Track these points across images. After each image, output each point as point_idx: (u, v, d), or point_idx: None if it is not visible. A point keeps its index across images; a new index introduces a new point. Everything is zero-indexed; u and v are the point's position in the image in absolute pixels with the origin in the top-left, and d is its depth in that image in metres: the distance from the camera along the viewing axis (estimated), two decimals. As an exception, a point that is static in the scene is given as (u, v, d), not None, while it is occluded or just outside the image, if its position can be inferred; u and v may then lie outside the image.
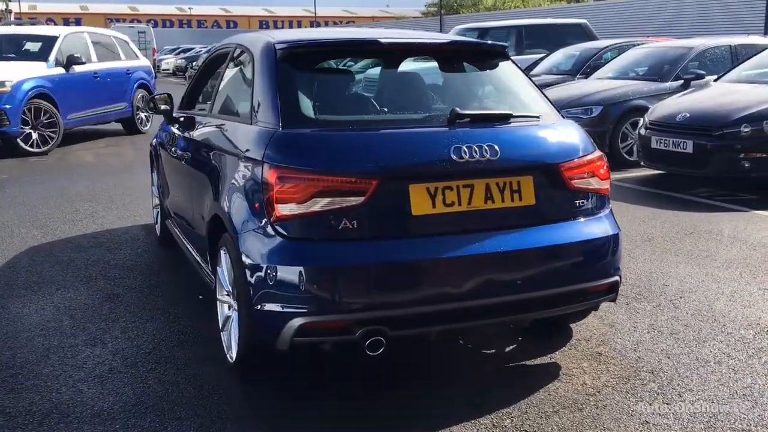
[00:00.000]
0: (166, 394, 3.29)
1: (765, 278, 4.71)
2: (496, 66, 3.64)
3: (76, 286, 4.81)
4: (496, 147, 3.07)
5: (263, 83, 3.38)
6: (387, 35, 3.68)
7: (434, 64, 3.67)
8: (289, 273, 2.92)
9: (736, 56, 10.46)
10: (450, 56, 3.65)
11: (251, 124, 3.35)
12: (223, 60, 4.36)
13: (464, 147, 3.02)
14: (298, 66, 3.41)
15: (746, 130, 7.21)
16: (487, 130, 3.18)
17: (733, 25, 23.06)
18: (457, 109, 3.18)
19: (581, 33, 15.26)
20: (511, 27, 14.99)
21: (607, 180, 3.39)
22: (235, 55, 4.05)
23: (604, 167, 3.38)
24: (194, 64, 33.14)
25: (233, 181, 3.30)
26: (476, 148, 3.03)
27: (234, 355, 3.34)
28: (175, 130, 4.88)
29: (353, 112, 3.38)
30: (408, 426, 3.02)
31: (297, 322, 2.91)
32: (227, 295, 3.50)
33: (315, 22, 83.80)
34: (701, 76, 9.61)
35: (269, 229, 2.98)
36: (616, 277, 3.35)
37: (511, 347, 3.77)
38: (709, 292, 4.47)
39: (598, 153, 3.40)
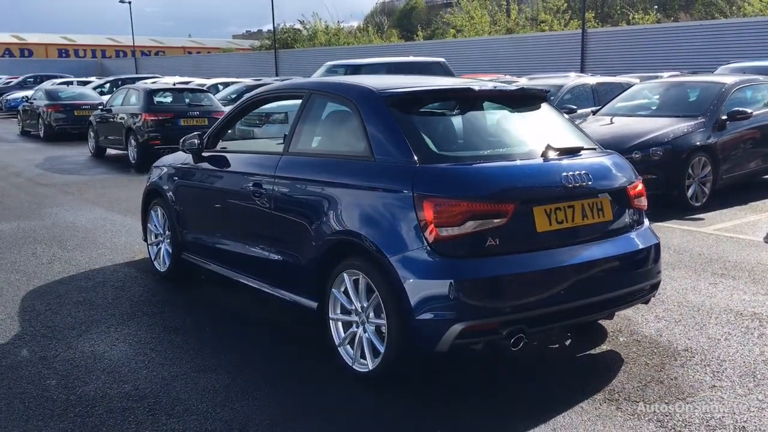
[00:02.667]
0: (319, 407, 3.67)
1: (707, 275, 5.86)
2: (543, 107, 4.42)
3: (125, 323, 4.90)
4: (590, 174, 3.84)
5: (380, 125, 3.91)
6: (462, 84, 4.35)
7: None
8: (451, 286, 3.46)
9: (597, 93, 12.16)
10: (518, 99, 4.38)
11: (372, 160, 3.85)
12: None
13: (571, 175, 3.76)
14: (406, 110, 3.97)
15: (637, 156, 8.56)
16: (580, 160, 3.95)
17: (555, 63, 25.98)
18: (552, 144, 3.91)
19: (440, 70, 16.58)
20: (380, 64, 16.00)
21: (645, 198, 4.27)
22: (317, 100, 4.49)
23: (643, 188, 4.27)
24: (10, 97, 30.96)
25: (368, 209, 3.77)
26: (578, 176, 3.78)
27: (371, 366, 3.78)
28: (211, 166, 5.17)
29: (466, 149, 4.00)
30: (535, 412, 3.64)
31: (458, 326, 3.46)
32: (347, 313, 3.95)
33: (120, 51, 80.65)
34: (573, 110, 11.04)
35: (428, 250, 3.51)
36: (660, 276, 4.23)
37: (568, 343, 4.50)
38: (672, 289, 5.50)
39: (640, 177, 4.27)
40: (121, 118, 14.39)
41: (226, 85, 23.02)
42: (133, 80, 24.11)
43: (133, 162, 13.86)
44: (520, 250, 3.64)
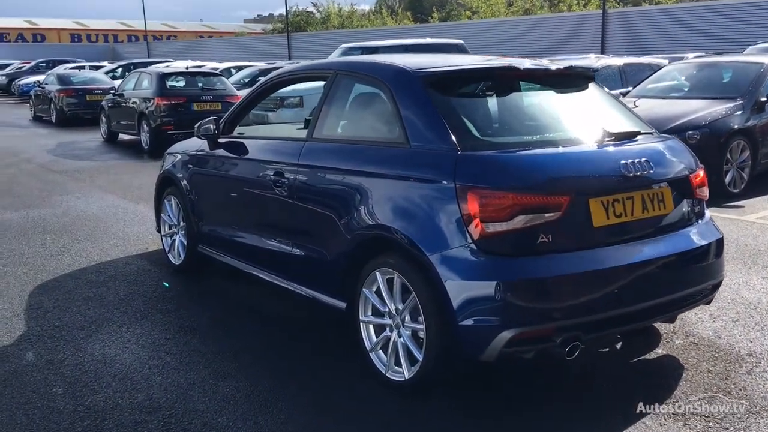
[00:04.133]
0: (350, 416, 3.32)
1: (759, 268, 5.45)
2: (590, 87, 4.01)
3: (138, 322, 4.57)
4: (650, 161, 3.44)
5: (416, 108, 3.53)
6: (504, 63, 3.95)
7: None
8: (498, 288, 3.09)
9: (624, 74, 11.69)
10: (564, 79, 3.97)
11: (406, 147, 3.48)
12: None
13: (630, 163, 3.36)
14: (443, 91, 3.58)
15: (673, 140, 8.12)
16: (638, 146, 3.55)
17: (574, 44, 25.38)
18: (606, 128, 3.52)
19: (458, 52, 16.12)
20: (398, 46, 15.57)
21: (707, 188, 3.86)
22: (343, 81, 4.10)
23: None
24: (22, 82, 30.71)
25: (403, 201, 3.40)
26: (638, 164, 3.38)
27: (407, 375, 3.43)
28: (228, 153, 4.82)
29: (511, 134, 3.61)
30: (593, 426, 3.28)
31: (507, 334, 3.09)
32: (379, 316, 3.59)
33: (132, 36, 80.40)
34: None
35: (473, 247, 3.13)
36: (723, 274, 3.84)
37: (620, 346, 4.12)
38: (724, 284, 5.09)
39: (701, 165, 3.87)
40: (133, 103, 14.06)
41: (239, 68, 22.66)
42: (146, 64, 23.76)
43: (145, 147, 13.54)
44: (575, 247, 3.25)
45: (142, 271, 5.71)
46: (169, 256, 5.75)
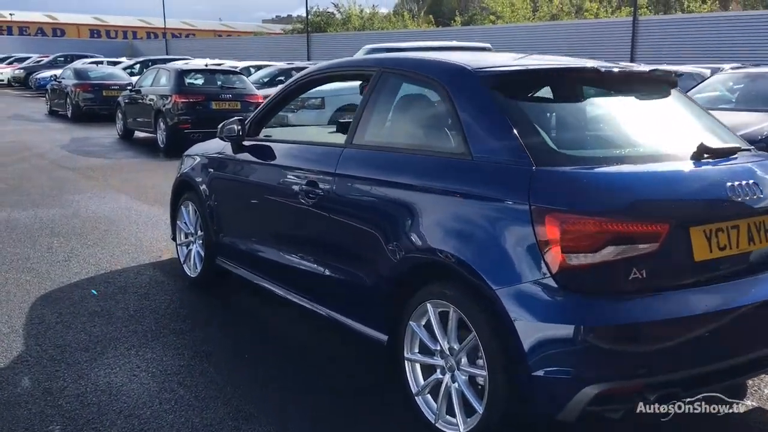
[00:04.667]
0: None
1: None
2: (673, 94, 3.48)
3: (149, 343, 4.07)
4: (758, 184, 2.90)
5: (479, 113, 3.01)
6: (580, 63, 3.42)
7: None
8: (582, 333, 2.56)
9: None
10: (647, 84, 3.43)
11: (468, 158, 2.96)
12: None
13: (737, 185, 2.83)
14: (511, 94, 3.06)
15: None
16: (743, 165, 3.02)
17: (602, 52, 24.78)
18: (701, 142, 2.98)
19: (487, 55, 15.60)
20: (425, 48, 15.03)
21: None
22: (389, 80, 3.59)
23: None
24: (39, 76, 30.46)
25: (464, 223, 2.88)
26: (745, 186, 2.85)
27: (462, 428, 2.91)
28: (253, 158, 4.32)
29: (593, 146, 3.08)
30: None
31: (592, 390, 2.56)
32: (429, 354, 3.07)
33: (151, 33, 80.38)
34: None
35: (550, 282, 2.60)
36: None
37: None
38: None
39: None
40: (150, 100, 13.62)
41: (258, 68, 22.25)
42: (164, 61, 23.39)
43: (161, 146, 13.09)
44: (674, 286, 2.71)
45: (154, 282, 5.21)
46: (185, 267, 5.25)
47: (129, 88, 15.51)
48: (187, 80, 13.39)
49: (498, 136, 2.91)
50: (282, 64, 21.86)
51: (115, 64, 27.23)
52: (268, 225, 4.29)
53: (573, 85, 3.23)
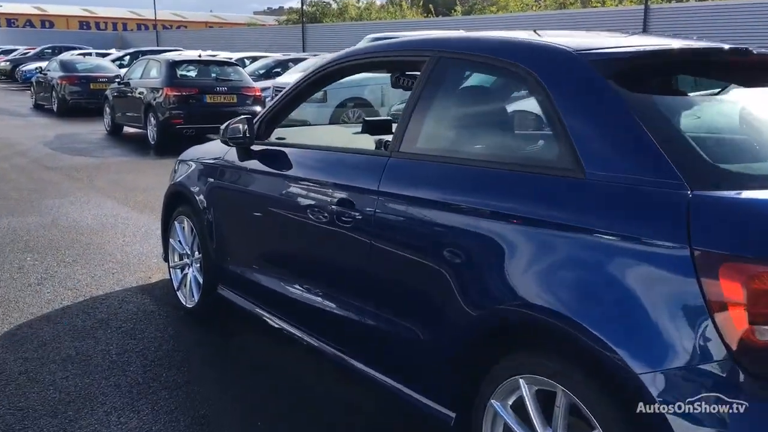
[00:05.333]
0: None
1: None
2: None
3: (134, 404, 3.22)
4: None
5: (596, 114, 2.16)
6: (719, 46, 2.54)
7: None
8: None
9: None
10: None
11: (578, 177, 2.10)
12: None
13: None
14: (640, 87, 2.21)
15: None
16: None
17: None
18: None
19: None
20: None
21: None
22: (451, 69, 2.73)
23: None
24: (25, 68, 29.41)
25: (581, 269, 2.03)
26: None
27: None
28: (265, 167, 3.45)
29: (754, 158, 2.21)
30: None
31: None
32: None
33: (142, 25, 79.09)
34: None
35: (730, 366, 1.75)
36: None
37: None
38: None
39: None
40: (140, 93, 12.71)
41: (253, 59, 21.34)
42: (155, 53, 22.40)
43: (152, 143, 12.20)
44: None
45: (142, 314, 4.35)
46: (179, 294, 4.39)
47: (117, 80, 14.58)
48: (179, 72, 12.48)
49: (627, 145, 2.06)
50: (278, 55, 20.94)
51: (104, 55, 26.30)
52: (285, 251, 3.44)
53: (721, 72, 2.37)
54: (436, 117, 2.75)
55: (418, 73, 2.86)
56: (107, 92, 14.47)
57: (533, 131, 2.48)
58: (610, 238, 1.97)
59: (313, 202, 3.08)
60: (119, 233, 6.31)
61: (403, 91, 3.76)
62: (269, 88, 13.40)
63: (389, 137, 4.01)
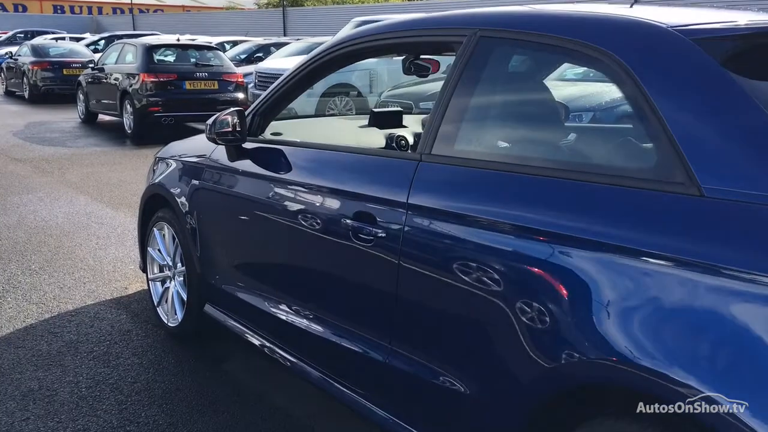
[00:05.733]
0: None
1: None
2: None
3: (107, 457, 2.68)
4: None
5: (714, 110, 1.65)
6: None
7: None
8: None
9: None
10: None
11: (692, 192, 1.59)
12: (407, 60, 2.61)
13: None
14: (761, 75, 1.70)
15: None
16: None
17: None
18: None
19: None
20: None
21: None
22: (497, 51, 2.20)
23: None
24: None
25: (697, 317, 1.52)
26: None
27: None
28: (261, 169, 2.91)
29: None
30: None
31: None
32: None
33: (117, 9, 77.54)
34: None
35: None
36: None
37: None
38: None
39: None
40: (115, 79, 12.03)
41: (234, 43, 20.66)
42: (131, 37, 21.60)
43: (129, 131, 11.55)
44: None
45: (117, 333, 3.80)
46: (159, 311, 3.85)
47: (91, 66, 13.87)
48: (157, 57, 11.81)
49: (759, 150, 1.55)
50: (259, 40, 20.28)
51: (78, 40, 25.43)
52: (286, 270, 2.89)
53: None
54: (481, 111, 2.23)
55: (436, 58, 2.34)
56: (81, 78, 13.77)
57: (621, 132, 1.97)
58: (743, 277, 1.47)
59: (320, 214, 2.55)
60: (92, 234, 5.74)
61: (406, 76, 3.27)
62: (252, 73, 12.79)
63: (402, 132, 3.50)
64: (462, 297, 1.99)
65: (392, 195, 2.24)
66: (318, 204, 2.58)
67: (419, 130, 3.73)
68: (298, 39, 19.76)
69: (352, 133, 3.58)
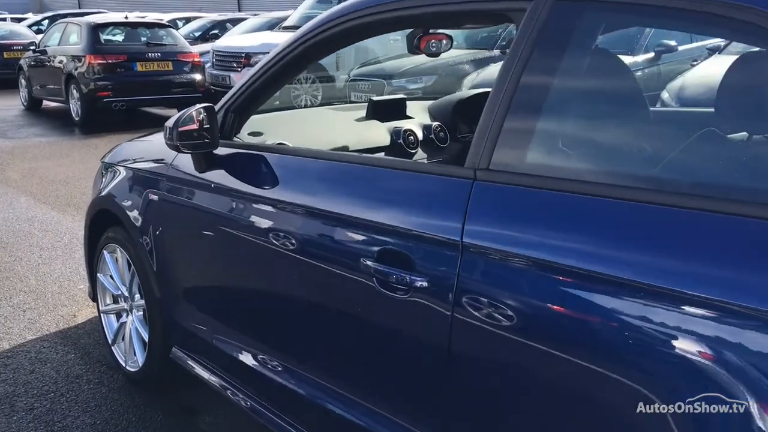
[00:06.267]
0: None
1: None
2: None
3: None
4: None
5: None
6: None
7: None
8: None
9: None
10: None
11: None
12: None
13: None
14: None
15: None
16: None
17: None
18: None
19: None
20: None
21: None
22: (587, 20, 1.56)
23: None
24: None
25: None
26: None
27: None
28: (239, 184, 2.22)
29: None
30: None
31: None
32: None
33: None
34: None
35: None
36: None
37: None
38: None
39: None
40: (59, 62, 11.10)
41: (187, 20, 19.62)
42: (76, 16, 20.36)
43: (76, 119, 10.67)
44: None
45: (64, 381, 3.10)
46: (115, 351, 3.16)
47: (32, 48, 12.85)
48: (104, 36, 10.89)
49: None
50: (214, 16, 19.27)
51: (19, 20, 24.04)
52: (282, 316, 2.21)
53: None
54: (565, 105, 1.58)
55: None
56: (22, 62, 12.78)
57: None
58: None
59: (324, 249, 1.88)
60: (35, 245, 4.97)
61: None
62: (209, 52, 11.92)
63: (409, 124, 2.85)
64: (553, 379, 1.36)
65: (437, 229, 1.59)
66: (320, 235, 1.92)
67: (427, 120, 3.08)
68: (255, 14, 18.82)
69: (350, 129, 2.90)
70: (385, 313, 1.71)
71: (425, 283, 1.59)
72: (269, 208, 2.09)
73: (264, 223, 2.11)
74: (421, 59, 8.66)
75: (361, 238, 1.79)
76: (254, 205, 2.15)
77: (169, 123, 2.25)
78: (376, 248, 1.72)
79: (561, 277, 1.36)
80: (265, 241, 2.08)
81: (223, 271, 2.43)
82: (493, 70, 7.84)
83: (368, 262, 1.72)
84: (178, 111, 2.30)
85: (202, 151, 2.29)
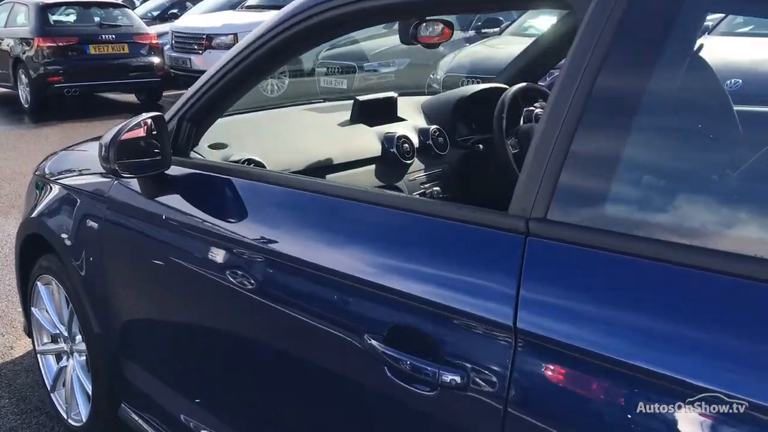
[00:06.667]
0: None
1: None
2: None
3: None
4: None
5: None
6: None
7: None
8: None
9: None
10: None
11: None
12: None
13: None
14: None
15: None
16: None
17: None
18: None
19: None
20: None
21: None
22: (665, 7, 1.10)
23: None
24: None
25: None
26: None
27: None
28: (199, 214, 1.74)
29: None
30: None
31: None
32: None
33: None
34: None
35: None
36: None
37: None
38: None
39: None
40: (6, 46, 10.39)
41: (144, -1, 18.77)
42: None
43: (26, 106, 9.99)
44: None
45: (-6, 438, 2.60)
46: (55, 399, 2.66)
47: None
48: (53, 17, 10.18)
49: None
50: (174, -6, 18.43)
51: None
52: (252, 386, 1.74)
53: None
54: (656, 129, 1.13)
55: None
56: (-34, 45, 11.97)
57: None
58: None
59: (313, 313, 1.42)
60: (-30, 257, 4.42)
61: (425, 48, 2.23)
62: (167, 33, 11.26)
63: (402, 129, 2.38)
64: None
65: (476, 307, 1.13)
66: (305, 294, 1.45)
67: (422, 123, 2.61)
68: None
69: (332, 136, 2.41)
70: (391, 410, 1.25)
71: (458, 379, 1.13)
72: (233, 250, 1.61)
73: (227, 268, 1.63)
74: (394, 41, 8.17)
75: (362, 305, 1.32)
76: (214, 243, 1.67)
77: (105, 140, 1.75)
78: (384, 324, 1.25)
79: (660, 386, 0.91)
80: (230, 291, 1.60)
81: (181, 319, 1.94)
82: (469, 52, 7.40)
83: (373, 342, 1.25)
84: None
85: (149, 173, 1.79)
